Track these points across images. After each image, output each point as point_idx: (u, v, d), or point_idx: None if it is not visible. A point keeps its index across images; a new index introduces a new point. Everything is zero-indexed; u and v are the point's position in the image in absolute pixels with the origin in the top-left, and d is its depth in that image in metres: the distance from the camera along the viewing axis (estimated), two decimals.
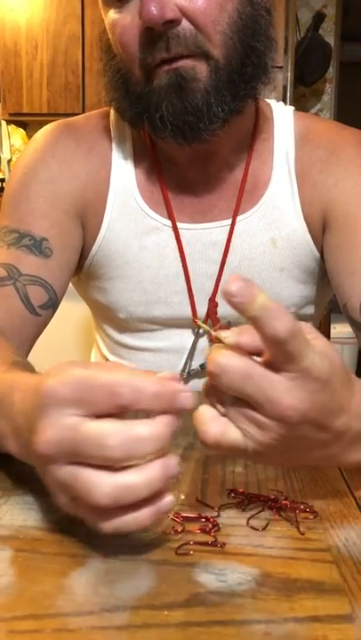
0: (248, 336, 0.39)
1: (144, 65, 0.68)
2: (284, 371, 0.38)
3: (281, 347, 0.36)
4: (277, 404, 0.38)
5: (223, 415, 0.40)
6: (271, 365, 0.38)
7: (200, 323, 0.38)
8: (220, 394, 0.40)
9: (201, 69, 0.67)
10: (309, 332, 0.40)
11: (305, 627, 0.35)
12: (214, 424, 0.40)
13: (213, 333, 0.40)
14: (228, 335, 0.40)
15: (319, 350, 0.39)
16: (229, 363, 0.38)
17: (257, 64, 0.70)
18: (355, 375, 0.46)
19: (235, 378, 0.38)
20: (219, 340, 0.40)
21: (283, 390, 0.38)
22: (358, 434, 0.44)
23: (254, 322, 0.36)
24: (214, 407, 0.41)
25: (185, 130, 0.69)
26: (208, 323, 0.82)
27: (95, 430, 0.37)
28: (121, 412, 0.38)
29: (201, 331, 0.83)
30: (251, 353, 0.39)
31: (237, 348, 0.39)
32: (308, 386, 0.38)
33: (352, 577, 0.39)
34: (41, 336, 0.79)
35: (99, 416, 0.38)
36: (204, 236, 0.80)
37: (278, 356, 0.37)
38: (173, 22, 0.64)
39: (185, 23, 0.65)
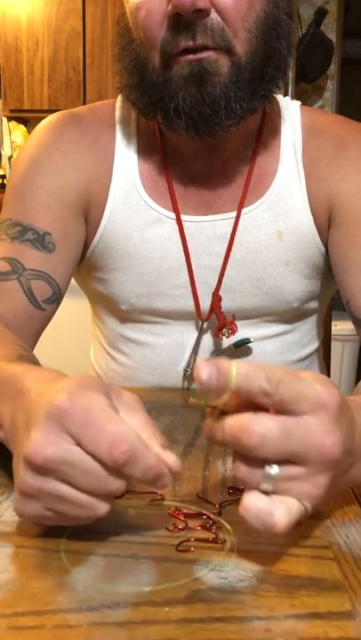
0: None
1: (165, 51, 0.67)
2: (302, 414, 0.37)
3: (276, 397, 0.37)
4: (320, 447, 0.37)
5: (266, 493, 0.39)
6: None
7: (192, 399, 0.40)
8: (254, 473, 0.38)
9: (223, 64, 0.67)
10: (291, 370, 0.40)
11: (306, 623, 0.35)
12: (277, 512, 0.37)
13: (210, 405, 0.39)
14: (224, 398, 0.39)
15: (311, 379, 0.39)
16: (266, 427, 0.37)
17: (278, 66, 0.70)
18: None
19: (277, 439, 0.37)
20: (213, 411, 0.39)
21: (320, 432, 0.38)
22: None
23: (238, 392, 0.37)
24: (255, 490, 0.39)
25: (199, 122, 0.69)
26: (212, 318, 0.82)
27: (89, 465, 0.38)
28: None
29: (205, 325, 0.83)
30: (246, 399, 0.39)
31: (235, 402, 0.39)
32: (332, 415, 0.38)
33: (353, 574, 0.40)
34: None
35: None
36: (209, 228, 0.80)
37: (281, 404, 0.37)
38: (203, 12, 0.64)
39: (214, 15, 0.65)
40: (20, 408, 0.43)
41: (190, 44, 0.65)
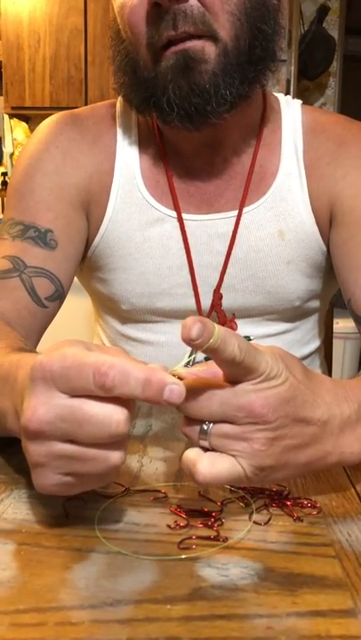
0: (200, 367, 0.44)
1: (151, 45, 0.67)
2: (246, 382, 0.41)
3: (239, 364, 0.40)
4: (249, 406, 0.40)
5: (208, 450, 0.42)
6: (231, 381, 0.41)
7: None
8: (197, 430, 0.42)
9: (209, 51, 0.66)
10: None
11: (307, 621, 0.35)
12: (201, 460, 0.41)
13: (169, 371, 0.41)
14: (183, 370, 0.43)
15: (269, 352, 0.42)
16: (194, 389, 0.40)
17: (265, 47, 0.70)
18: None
19: (200, 399, 0.41)
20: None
21: (249, 394, 0.41)
22: (344, 420, 0.46)
23: (211, 352, 0.39)
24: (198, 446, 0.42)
25: (192, 113, 0.69)
26: (212, 316, 0.82)
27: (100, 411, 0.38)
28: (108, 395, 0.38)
29: None
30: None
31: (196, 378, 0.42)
32: (270, 384, 0.41)
33: (355, 572, 0.40)
34: None
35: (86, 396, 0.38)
36: (210, 227, 0.80)
37: (238, 372, 0.41)
38: None
39: (193, 1, 0.65)
40: (17, 396, 0.43)
41: (172, 33, 0.65)
